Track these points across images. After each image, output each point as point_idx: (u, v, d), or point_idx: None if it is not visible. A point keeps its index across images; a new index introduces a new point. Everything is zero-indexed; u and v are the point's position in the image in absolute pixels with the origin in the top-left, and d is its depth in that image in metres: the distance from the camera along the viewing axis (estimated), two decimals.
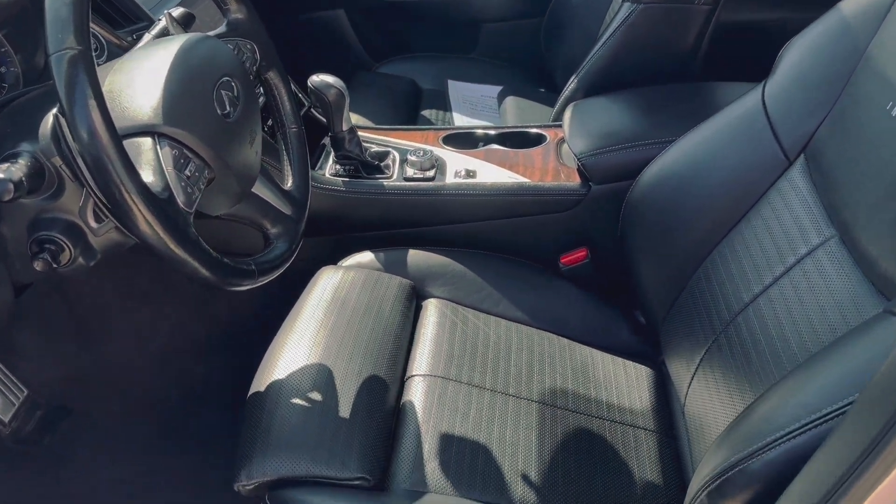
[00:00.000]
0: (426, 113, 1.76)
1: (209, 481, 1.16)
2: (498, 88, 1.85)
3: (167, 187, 0.75)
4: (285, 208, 0.99)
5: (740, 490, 0.67)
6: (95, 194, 0.74)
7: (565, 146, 1.30)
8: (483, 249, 1.27)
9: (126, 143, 0.73)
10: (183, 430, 1.40)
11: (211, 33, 0.94)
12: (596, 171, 1.22)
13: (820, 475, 0.56)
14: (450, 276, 1.21)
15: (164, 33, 0.99)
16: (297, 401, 0.96)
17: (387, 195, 1.26)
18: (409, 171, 1.27)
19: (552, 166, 1.29)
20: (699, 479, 0.72)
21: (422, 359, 1.06)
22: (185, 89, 0.81)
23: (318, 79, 1.17)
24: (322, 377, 0.99)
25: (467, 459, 0.94)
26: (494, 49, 2.03)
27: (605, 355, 1.16)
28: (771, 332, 0.86)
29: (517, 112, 1.70)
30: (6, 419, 1.10)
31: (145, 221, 0.71)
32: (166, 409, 1.42)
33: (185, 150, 0.78)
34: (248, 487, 0.91)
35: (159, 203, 0.72)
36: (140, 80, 0.80)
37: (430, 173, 1.27)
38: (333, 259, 1.23)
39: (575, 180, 1.25)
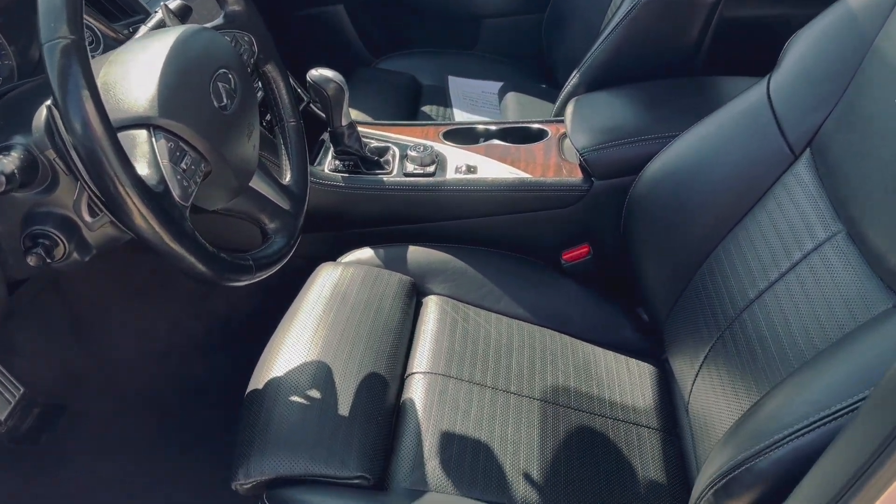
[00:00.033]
0: (426, 109, 1.75)
1: (207, 480, 1.15)
2: (498, 84, 1.83)
3: (162, 180, 0.73)
4: (283, 203, 0.97)
5: (747, 489, 0.66)
6: (89, 187, 0.73)
7: (567, 141, 1.29)
8: (484, 246, 1.26)
9: (121, 135, 0.72)
10: (181, 428, 1.39)
11: (208, 25, 0.93)
12: (598, 166, 1.21)
13: (830, 474, 0.54)
14: (450, 272, 1.19)
15: (161, 25, 0.98)
16: (295, 398, 0.95)
17: (386, 191, 1.25)
18: (410, 167, 1.26)
19: (554, 162, 1.28)
20: (705, 477, 0.71)
21: (422, 356, 1.05)
22: (181, 81, 0.79)
23: (316, 73, 1.16)
24: (321, 375, 0.98)
25: (468, 458, 0.93)
26: (495, 44, 2.02)
27: (607, 352, 1.15)
28: (777, 329, 0.85)
29: (518, 108, 1.68)
30: (2, 417, 1.09)
31: (140, 215, 0.69)
32: (164, 407, 1.41)
33: (181, 143, 0.77)
34: (245, 486, 0.90)
35: (154, 196, 0.71)
36: (136, 72, 0.79)
37: (431, 169, 1.26)
38: (333, 256, 1.22)
39: (577, 176, 1.24)
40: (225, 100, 0.84)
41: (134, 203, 0.69)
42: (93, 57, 0.81)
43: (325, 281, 1.12)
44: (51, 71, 0.65)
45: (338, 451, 0.90)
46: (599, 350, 1.15)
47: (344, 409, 0.95)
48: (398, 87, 1.81)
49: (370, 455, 0.91)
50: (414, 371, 1.03)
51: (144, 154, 0.74)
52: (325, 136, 1.34)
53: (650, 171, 1.10)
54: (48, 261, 0.78)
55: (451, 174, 1.25)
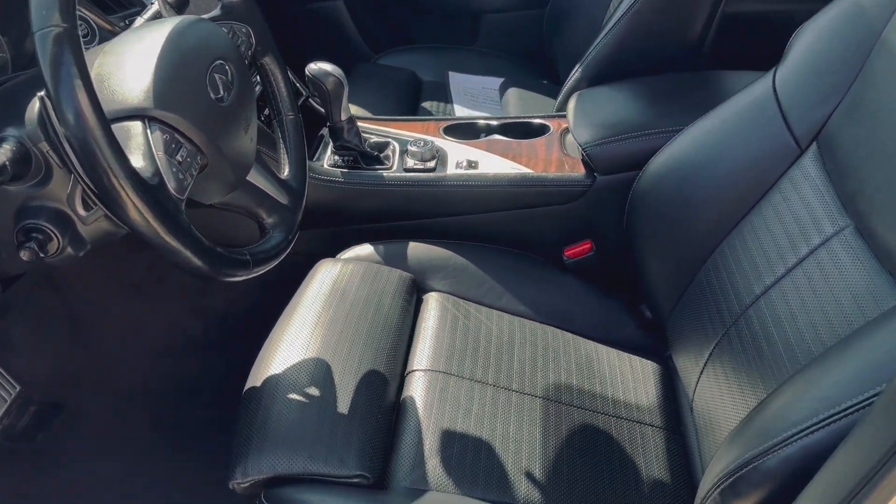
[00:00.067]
0: (426, 105, 1.74)
1: (204, 479, 1.14)
2: (499, 80, 1.82)
3: (157, 172, 0.72)
4: (282, 197, 0.96)
5: (755, 488, 0.65)
6: (83, 180, 0.72)
7: (569, 136, 1.28)
8: (485, 242, 1.25)
9: (115, 126, 0.70)
10: (178, 426, 1.38)
11: (205, 16, 0.92)
12: (601, 161, 1.19)
13: (842, 473, 0.53)
14: (451, 269, 1.18)
15: (157, 16, 0.96)
16: (294, 396, 0.94)
17: (386, 186, 1.24)
18: (410, 162, 1.25)
19: (556, 157, 1.26)
20: (711, 476, 0.70)
21: (422, 353, 1.04)
22: (177, 72, 0.78)
23: (315, 67, 1.14)
24: (320, 372, 0.97)
25: (469, 457, 0.92)
26: (496, 40, 2.00)
27: (610, 350, 1.14)
28: (784, 325, 0.84)
29: (519, 104, 1.67)
30: None
31: (134, 208, 0.68)
32: (161, 406, 1.40)
33: (176, 135, 0.76)
34: (243, 485, 0.89)
35: (149, 189, 0.70)
36: (130, 63, 0.77)
37: (431, 164, 1.24)
38: (332, 252, 1.21)
39: (579, 171, 1.23)
40: (221, 91, 0.82)
41: (128, 196, 0.67)
42: (87, 49, 0.80)
43: (324, 277, 1.11)
44: (42, 60, 0.64)
45: (337, 449, 0.89)
46: (602, 347, 1.14)
47: (343, 406, 0.93)
48: (398, 83, 1.79)
49: (370, 453, 0.90)
50: (414, 368, 1.02)
51: (139, 146, 0.73)
52: (325, 131, 1.33)
53: (654, 166, 1.08)
54: (41, 255, 0.77)
55: (451, 169, 1.24)
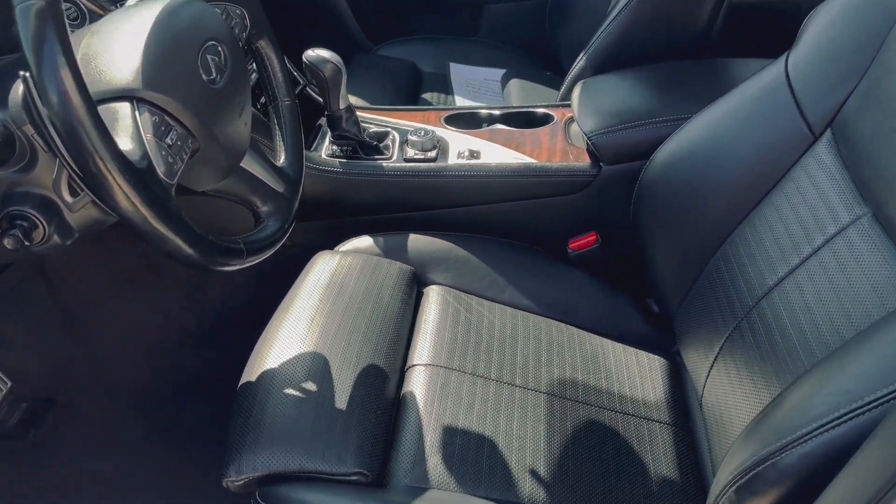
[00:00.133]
0: (427, 96, 1.71)
1: (198, 476, 1.11)
2: (501, 71, 1.80)
3: (146, 155, 0.69)
4: (277, 185, 0.93)
5: (772, 486, 0.62)
6: (68, 164, 0.68)
7: (574, 125, 1.25)
8: (487, 234, 1.23)
9: (102, 108, 0.68)
10: (172, 423, 1.36)
11: None
12: (607, 150, 1.17)
13: (870, 470, 0.50)
14: (452, 261, 1.16)
15: None
16: (290, 391, 0.91)
17: (386, 177, 1.21)
18: (410, 152, 1.22)
19: (560, 146, 1.23)
20: (725, 473, 0.67)
21: (423, 348, 1.01)
22: (167, 52, 0.75)
23: (313, 54, 1.11)
24: (317, 366, 0.94)
25: (471, 454, 0.89)
26: (497, 31, 1.98)
27: (615, 345, 1.11)
28: (799, 318, 0.81)
29: (521, 95, 1.65)
30: None
31: (122, 192, 0.65)
32: (155, 402, 1.38)
33: (166, 117, 0.73)
34: (237, 483, 0.86)
35: (137, 172, 0.67)
36: (119, 43, 0.74)
37: (432, 154, 1.22)
38: (330, 244, 1.19)
39: (584, 161, 1.20)
40: (214, 73, 0.79)
41: (115, 180, 0.64)
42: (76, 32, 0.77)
43: (322, 270, 1.08)
44: (24, 36, 0.61)
45: (335, 446, 0.86)
46: (608, 342, 1.11)
47: (341, 402, 0.91)
48: (398, 74, 1.77)
49: (369, 450, 0.88)
50: (414, 363, 0.99)
51: (127, 128, 0.70)
52: (322, 120, 1.30)
53: (661, 155, 1.05)
54: (27, 244, 0.74)
55: (453, 159, 1.21)
